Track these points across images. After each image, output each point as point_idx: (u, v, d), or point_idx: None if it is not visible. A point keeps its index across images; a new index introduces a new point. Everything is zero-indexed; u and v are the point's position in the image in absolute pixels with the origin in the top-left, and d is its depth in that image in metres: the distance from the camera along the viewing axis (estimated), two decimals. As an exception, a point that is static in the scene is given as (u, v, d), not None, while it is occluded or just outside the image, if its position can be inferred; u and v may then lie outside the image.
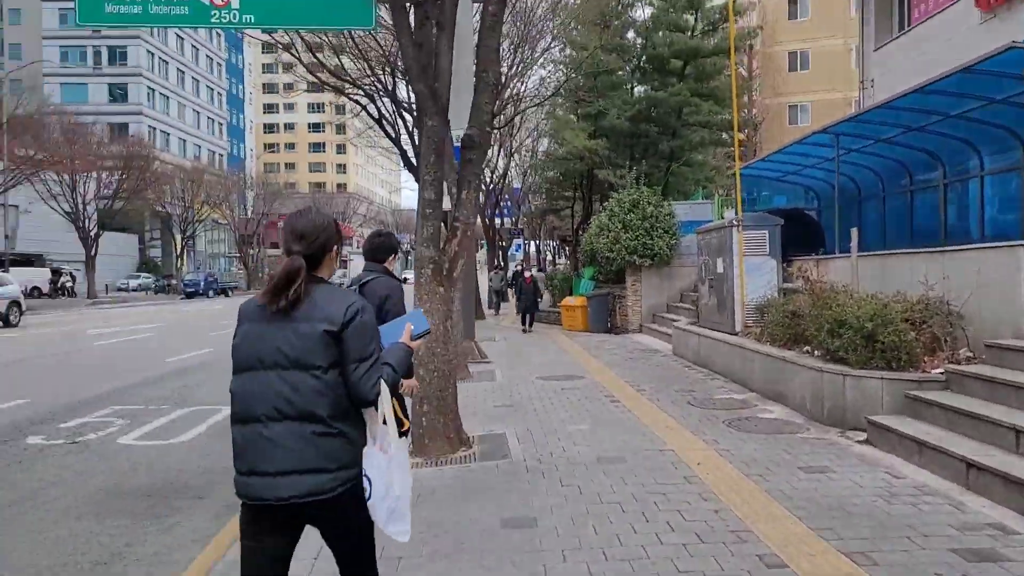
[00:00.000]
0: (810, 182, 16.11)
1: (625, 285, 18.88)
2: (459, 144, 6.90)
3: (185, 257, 63.61)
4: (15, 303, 24.72)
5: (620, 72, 25.89)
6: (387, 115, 19.57)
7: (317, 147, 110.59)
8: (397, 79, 17.76)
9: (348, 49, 18.22)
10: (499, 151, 31.93)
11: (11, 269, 38.94)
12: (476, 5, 9.60)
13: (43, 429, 8.49)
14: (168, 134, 73.00)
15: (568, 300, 20.76)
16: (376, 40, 17.27)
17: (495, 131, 22.98)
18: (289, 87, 58.65)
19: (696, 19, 24.88)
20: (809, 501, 5.07)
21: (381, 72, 17.84)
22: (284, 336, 2.55)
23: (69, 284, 46.90)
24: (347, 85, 18.81)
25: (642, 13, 26.25)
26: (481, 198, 31.85)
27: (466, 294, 13.15)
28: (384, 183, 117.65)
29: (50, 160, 41.30)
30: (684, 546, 4.36)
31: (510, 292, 29.55)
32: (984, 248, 7.67)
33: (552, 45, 21.88)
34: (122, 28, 60.08)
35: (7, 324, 23.96)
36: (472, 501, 5.31)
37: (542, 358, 13.71)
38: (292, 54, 18.84)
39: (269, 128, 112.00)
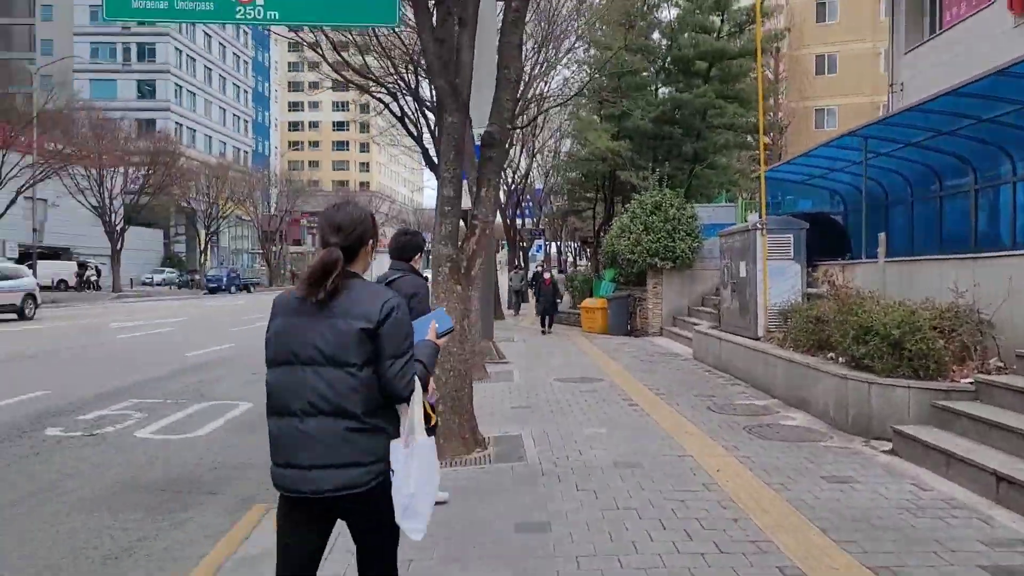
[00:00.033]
0: (836, 186, 15.87)
1: (646, 287, 18.72)
2: (480, 142, 6.83)
3: (209, 253, 64.18)
4: (30, 296, 24.31)
5: (644, 73, 25.69)
6: (409, 113, 19.56)
7: (341, 145, 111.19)
8: (420, 77, 17.73)
9: (372, 47, 18.23)
10: (521, 151, 31.85)
11: (39, 262, 39.49)
12: (499, 4, 9.54)
13: (62, 421, 8.52)
14: (194, 130, 73.73)
15: (588, 302, 20.64)
16: (400, 38, 17.25)
17: (517, 130, 22.92)
18: (314, 85, 59.09)
19: (722, 20, 24.61)
20: (832, 512, 4.93)
21: (404, 70, 17.82)
22: (319, 332, 2.56)
23: (93, 278, 47.40)
24: (371, 83, 18.83)
25: (667, 14, 26.06)
26: (503, 198, 31.84)
27: (485, 294, 13.08)
28: (407, 182, 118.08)
29: (78, 155, 41.83)
30: (702, 555, 4.25)
31: (530, 292, 29.46)
32: (1017, 255, 7.47)
33: (576, 45, 21.77)
34: (148, 23, 60.77)
35: (22, 317, 23.64)
36: (486, 504, 5.23)
37: (560, 359, 13.61)
38: (317, 52, 18.89)
39: (294, 126, 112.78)
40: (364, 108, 30.24)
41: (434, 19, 6.33)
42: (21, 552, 4.75)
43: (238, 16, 9.70)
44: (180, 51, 71.94)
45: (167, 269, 61.45)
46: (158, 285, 56.63)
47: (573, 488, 5.54)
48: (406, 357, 2.61)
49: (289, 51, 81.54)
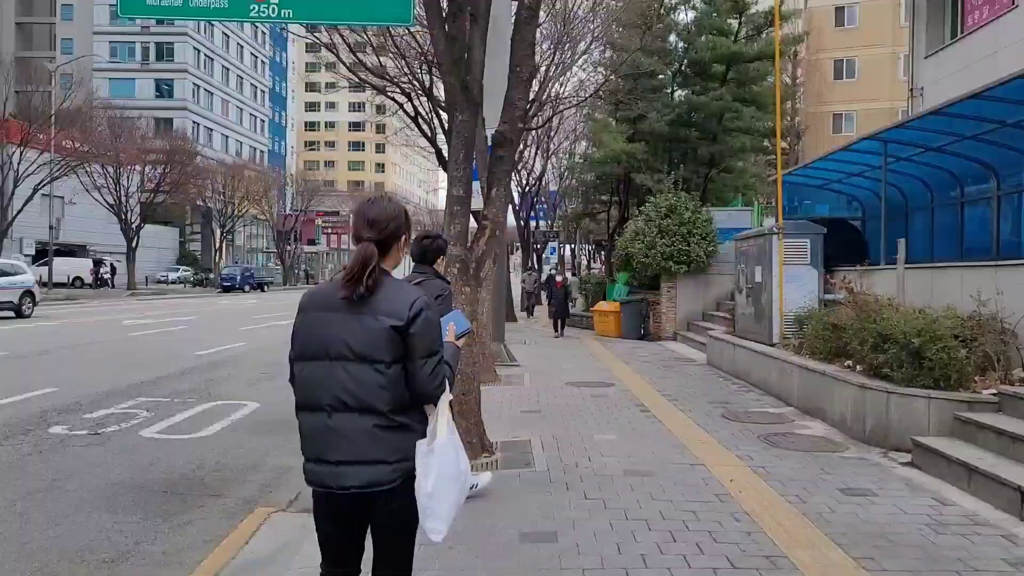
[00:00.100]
0: (854, 191, 15.63)
1: (660, 291, 18.54)
2: (491, 141, 6.71)
3: (224, 251, 64.45)
4: (28, 293, 23.45)
5: (661, 76, 25.49)
6: (423, 114, 19.48)
7: (357, 146, 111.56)
8: (435, 77, 17.64)
9: (387, 48, 18.16)
10: (536, 153, 31.71)
11: (55, 259, 39.76)
12: (513, 3, 9.42)
13: (67, 419, 8.46)
14: (211, 130, 74.15)
15: (601, 305, 20.47)
16: (415, 38, 17.17)
17: (532, 131, 22.77)
18: (331, 86, 59.14)
19: (740, 24, 24.39)
20: (849, 527, 4.76)
21: (419, 70, 17.74)
22: (350, 328, 2.57)
23: (107, 275, 47.61)
24: (386, 84, 18.76)
25: (685, 16, 25.85)
26: (516, 199, 31.71)
27: (496, 296, 12.95)
28: (421, 183, 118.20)
29: (95, 153, 42.09)
30: (714, 571, 4.09)
31: (543, 295, 29.33)
32: (1042, 263, 7.26)
33: (592, 47, 21.59)
34: (161, 21, 61.20)
35: (19, 315, 22.79)
36: (491, 512, 5.09)
37: (572, 363, 13.46)
38: (332, 52, 18.82)
39: (310, 126, 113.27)
40: (380, 109, 30.21)
41: (445, 16, 6.21)
42: (17, 554, 4.66)
43: (252, 14, 9.62)
44: (198, 51, 72.36)
45: (182, 267, 61.75)
46: (173, 283, 56.88)
47: (582, 496, 5.40)
48: (438, 356, 2.63)
49: (306, 52, 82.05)
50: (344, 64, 19.13)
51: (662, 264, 17.76)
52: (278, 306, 32.66)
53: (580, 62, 22.33)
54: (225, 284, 51.20)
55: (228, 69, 78.65)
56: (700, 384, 11.02)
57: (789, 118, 41.09)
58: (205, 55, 73.68)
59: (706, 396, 9.85)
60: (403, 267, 3.12)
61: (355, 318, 2.57)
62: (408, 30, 16.09)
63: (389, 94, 19.99)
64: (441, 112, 18.48)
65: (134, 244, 46.71)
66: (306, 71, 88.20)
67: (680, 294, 18.22)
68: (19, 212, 37.79)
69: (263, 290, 54.72)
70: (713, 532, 4.66)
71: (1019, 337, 7.03)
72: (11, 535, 4.97)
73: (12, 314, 22.73)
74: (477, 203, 8.34)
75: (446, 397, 2.66)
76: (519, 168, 30.05)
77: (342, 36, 17.90)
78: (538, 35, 20.07)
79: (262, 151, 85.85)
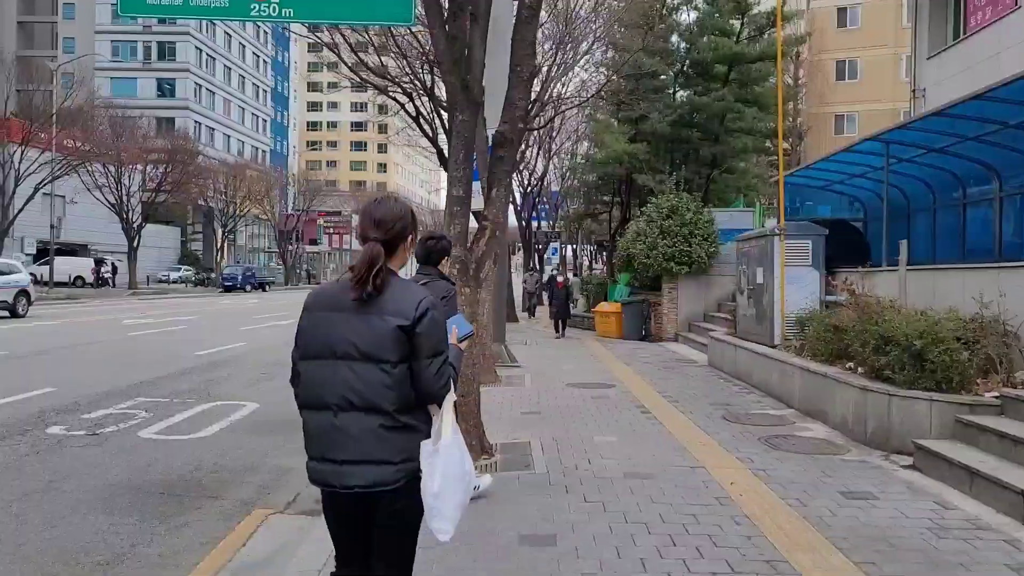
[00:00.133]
0: (856, 192, 15.60)
1: (661, 292, 18.49)
2: (491, 141, 6.67)
3: (226, 251, 64.43)
4: (23, 292, 23.16)
5: (663, 76, 25.46)
6: (425, 114, 19.46)
7: (359, 146, 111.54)
8: (436, 77, 17.62)
9: (389, 48, 18.14)
10: (538, 153, 31.68)
11: (56, 258, 39.76)
12: (514, 2, 9.38)
13: (65, 419, 8.43)
14: (213, 129, 74.14)
15: (602, 306, 20.42)
16: (417, 38, 17.15)
17: (533, 131, 22.73)
18: (333, 86, 59.23)
19: (742, 24, 24.34)
20: (851, 531, 4.72)
21: (420, 70, 17.72)
22: (356, 328, 2.58)
23: (108, 274, 47.59)
24: (388, 84, 18.74)
25: (687, 17, 25.80)
26: (519, 200, 31.69)
27: (497, 296, 12.92)
28: (424, 183, 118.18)
29: (97, 152, 42.09)
30: (713, 575, 4.06)
31: (545, 295, 29.29)
32: (1045, 265, 7.22)
33: (594, 47, 21.57)
34: (164, 20, 61.20)
35: (14, 315, 22.47)
36: (490, 514, 5.05)
37: (573, 364, 13.42)
38: (333, 51, 18.80)
39: (312, 125, 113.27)
40: (382, 109, 30.21)
41: (446, 15, 6.18)
42: (12, 556, 4.63)
43: (252, 13, 9.59)
44: (200, 50, 72.36)
45: (184, 267, 61.74)
46: (174, 283, 56.86)
47: (581, 499, 5.36)
48: (443, 357, 2.63)
49: (308, 51, 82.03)
50: (345, 64, 19.11)
51: (663, 265, 17.72)
52: (279, 306, 32.63)
53: (582, 62, 22.33)
54: (226, 284, 51.17)
55: (230, 68, 78.65)
56: (701, 385, 10.98)
57: (791, 119, 41.02)
58: (207, 54, 73.68)
59: (707, 398, 9.81)
60: (408, 268, 3.11)
61: (362, 318, 2.57)
62: (409, 30, 16.07)
63: (391, 94, 19.98)
64: (442, 112, 18.45)
65: (135, 244, 46.70)
66: (308, 71, 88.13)
67: (681, 295, 18.17)
68: (20, 211, 37.79)
69: (264, 290, 54.69)
70: (713, 536, 4.62)
71: (1022, 339, 6.99)
72: (7, 537, 4.94)
73: (7, 314, 22.56)
74: (478, 203, 8.31)
75: (451, 397, 2.66)
76: (521, 168, 30.03)
77: (343, 36, 17.89)
78: (540, 35, 20.07)
79: (264, 151, 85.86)
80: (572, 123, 31.77)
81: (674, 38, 25.68)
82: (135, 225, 46.73)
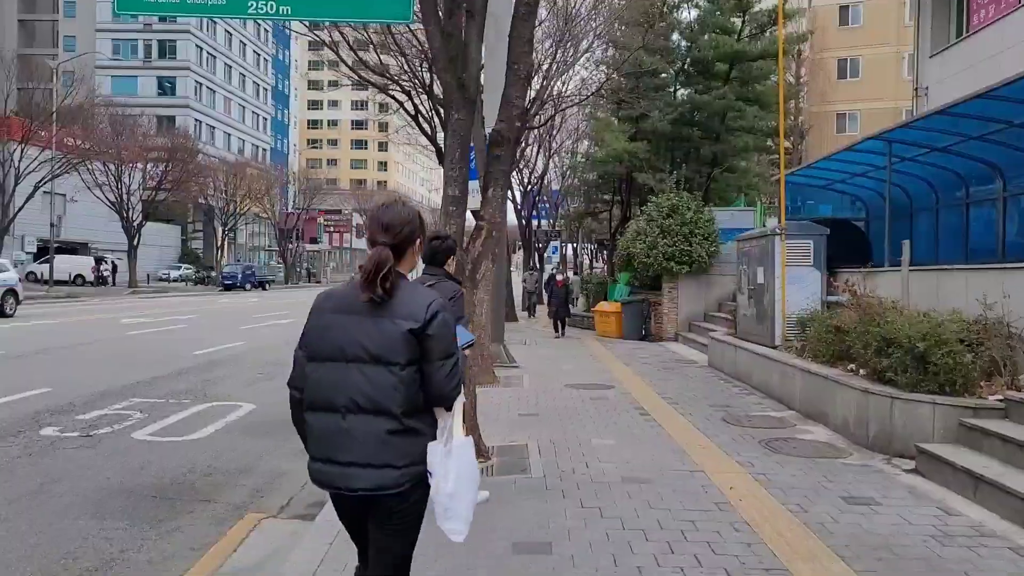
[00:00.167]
0: (858, 191, 15.50)
1: (661, 292, 18.40)
2: (488, 140, 6.58)
3: (226, 249, 64.35)
4: (11, 292, 22.64)
5: (663, 74, 25.34)
6: (424, 112, 19.37)
7: (359, 144, 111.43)
8: (435, 75, 17.54)
9: (388, 46, 18.06)
10: (538, 151, 31.58)
11: (56, 257, 39.70)
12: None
13: (59, 420, 8.35)
14: (213, 127, 74.04)
15: (602, 305, 20.33)
16: (416, 36, 17.06)
17: (534, 129, 22.64)
18: (333, 84, 59.06)
19: (743, 22, 24.22)
20: (852, 538, 4.63)
21: (419, 68, 17.64)
22: (366, 331, 2.60)
23: (107, 273, 47.51)
24: (387, 82, 18.67)
25: (687, 15, 25.69)
26: (519, 198, 31.60)
27: (496, 296, 12.82)
28: (424, 181, 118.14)
29: (97, 150, 42.01)
30: (712, 584, 3.98)
31: (545, 295, 29.21)
32: (1050, 266, 7.12)
33: (594, 45, 21.47)
34: (163, 18, 61.08)
35: (2, 314, 21.98)
36: (484, 520, 4.93)
37: (573, 365, 13.33)
38: (331, 49, 18.72)
39: (313, 124, 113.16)
40: (383, 107, 30.11)
41: (441, 12, 6.08)
42: (1, 560, 4.55)
43: (250, 11, 9.51)
44: (201, 48, 72.26)
45: (184, 265, 61.67)
46: (174, 281, 56.80)
47: (578, 505, 5.27)
48: (454, 358, 2.65)
49: (309, 50, 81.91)
50: (344, 63, 19.03)
51: (664, 264, 17.63)
52: (279, 305, 32.57)
53: (582, 60, 22.23)
54: (226, 282, 51.10)
55: (231, 67, 78.54)
56: (701, 387, 10.89)
57: (792, 117, 40.91)
58: (208, 53, 73.57)
59: (707, 399, 9.72)
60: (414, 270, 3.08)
61: (372, 321, 2.60)
62: (408, 28, 15.99)
63: (390, 92, 19.89)
64: (441, 110, 18.38)
65: (136, 242, 46.61)
66: (309, 69, 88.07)
67: (682, 295, 18.08)
68: (20, 209, 37.72)
69: (264, 289, 54.62)
70: (712, 543, 4.53)
71: (1026, 341, 6.89)
72: (-7, 542, 4.86)
73: None
74: (476, 203, 8.23)
75: (461, 399, 2.70)
76: (521, 167, 29.94)
77: (342, 34, 17.81)
78: (540, 33, 19.99)
79: (264, 149, 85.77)
80: (572, 121, 31.69)
81: (675, 36, 25.57)
82: (135, 223, 46.65)
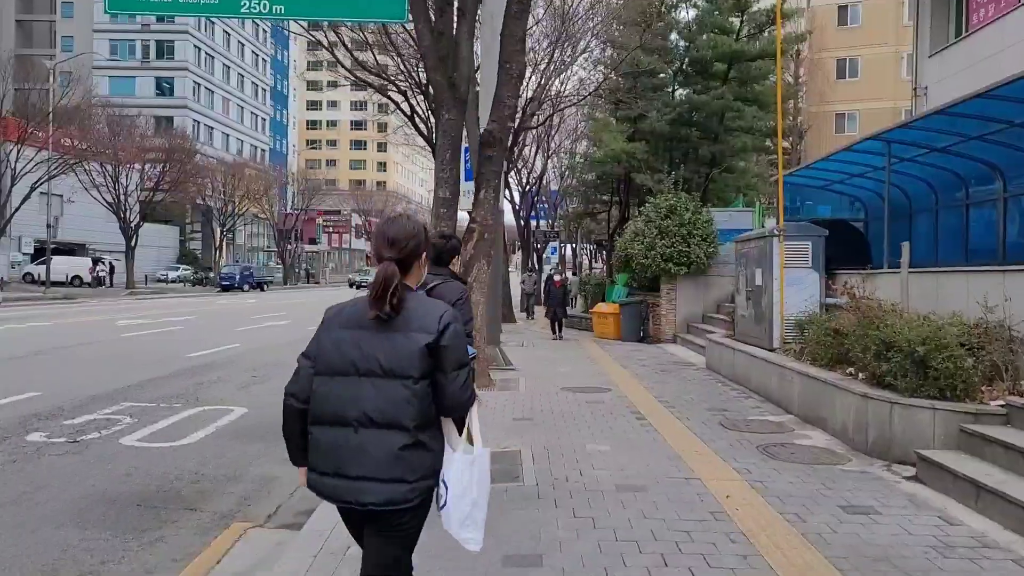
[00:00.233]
0: (856, 192, 15.38)
1: (659, 293, 18.28)
2: (479, 140, 6.46)
3: (224, 250, 64.21)
4: None
5: (661, 74, 25.25)
6: (420, 112, 19.27)
7: (358, 144, 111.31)
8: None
9: (385, 45, 17.96)
10: (537, 152, 31.47)
11: (54, 258, 39.58)
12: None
13: (47, 425, 8.23)
14: (212, 128, 73.91)
15: (600, 307, 20.20)
16: (411, 35, 16.96)
17: (532, 129, 22.53)
18: (332, 84, 58.99)
19: (741, 22, 24.13)
20: (851, 549, 4.51)
21: (415, 68, 17.54)
22: (380, 346, 2.61)
23: (103, 274, 47.36)
24: (383, 82, 18.56)
25: (686, 14, 25.60)
26: (517, 199, 31.48)
27: (492, 298, 12.71)
28: (423, 182, 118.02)
29: (94, 150, 41.88)
30: (706, 599, 3.86)
31: (543, 296, 29.09)
32: (1052, 269, 7.01)
33: (592, 45, 21.37)
34: (161, 18, 60.91)
35: None
36: (475, 530, 4.84)
37: (569, 367, 13.21)
38: (326, 48, 18.62)
39: (312, 124, 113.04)
40: (382, 108, 30.04)
41: (432, 10, 5.96)
42: (-26, 574, 4.43)
43: (243, 10, 9.39)
44: (199, 49, 72.13)
45: (182, 266, 61.52)
46: (173, 282, 56.66)
47: (570, 514, 5.15)
48: (467, 368, 2.67)
49: (307, 50, 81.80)
50: (339, 62, 18.92)
51: (662, 265, 17.51)
52: (277, 306, 32.47)
53: (580, 60, 22.13)
54: (224, 283, 50.97)
55: (229, 67, 78.40)
56: (698, 390, 10.77)
57: (791, 118, 40.81)
58: (206, 53, 73.43)
59: (704, 403, 9.60)
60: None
61: (385, 335, 2.61)
62: (404, 27, 15.87)
63: (386, 92, 19.78)
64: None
65: (133, 243, 46.48)
66: (307, 69, 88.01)
67: (680, 296, 17.97)
68: (16, 210, 37.60)
69: (263, 289, 54.49)
70: (707, 555, 4.41)
71: (1028, 345, 6.77)
72: (-30, 554, 4.74)
73: None
74: (470, 204, 8.12)
75: (475, 408, 2.73)
76: (520, 167, 29.84)
77: (337, 34, 17.70)
78: (538, 33, 19.88)
79: (263, 150, 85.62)
80: (571, 121, 31.60)
81: (673, 36, 25.49)
82: (133, 224, 46.51)
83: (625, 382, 11.44)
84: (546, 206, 39.24)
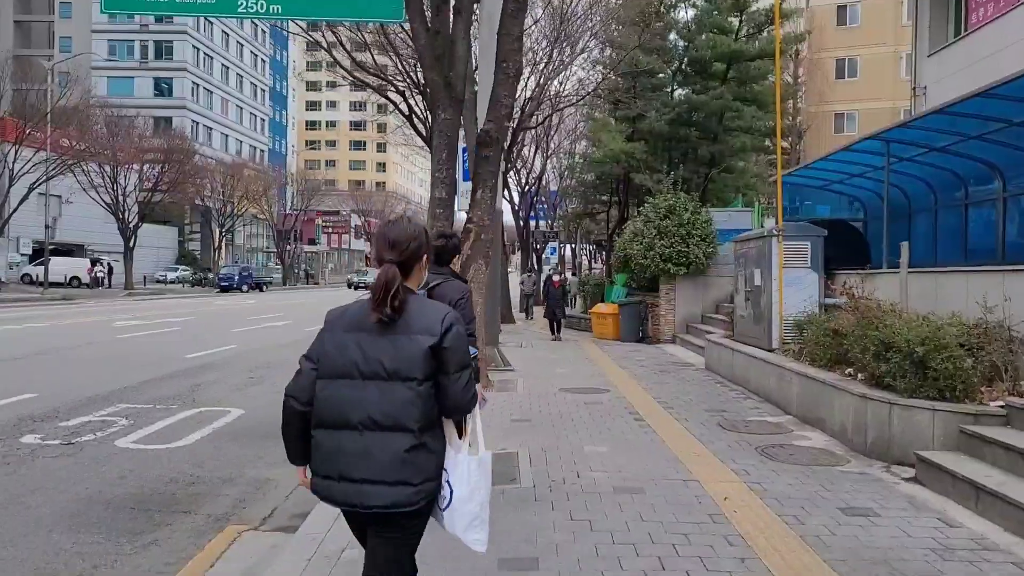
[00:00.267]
0: (856, 192, 15.35)
1: (658, 293, 18.24)
2: (476, 140, 6.41)
3: (224, 251, 64.14)
4: None
5: (660, 74, 25.22)
6: (419, 112, 19.23)
7: (358, 145, 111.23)
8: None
9: (383, 45, 17.92)
10: (536, 152, 31.44)
11: (52, 258, 39.52)
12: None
13: (42, 427, 8.18)
14: (211, 129, 73.83)
15: (599, 307, 20.17)
16: (410, 35, 16.94)
17: (531, 129, 22.50)
18: (331, 85, 58.93)
19: (740, 22, 24.11)
20: (850, 552, 4.46)
21: (413, 68, 17.50)
22: (383, 348, 2.62)
23: (102, 274, 47.30)
24: (381, 82, 18.53)
25: (685, 14, 25.57)
26: (516, 199, 31.44)
27: (490, 299, 12.66)
28: (423, 182, 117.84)
29: (92, 151, 41.83)
30: (704, 603, 3.82)
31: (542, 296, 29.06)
32: (1051, 268, 6.97)
33: (591, 44, 21.34)
34: (160, 19, 60.83)
35: None
36: (471, 533, 4.79)
37: (568, 368, 13.17)
38: (324, 48, 18.58)
39: (311, 125, 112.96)
40: (381, 108, 29.99)
41: (428, 9, 5.92)
42: (-35, 579, 4.39)
43: (240, 10, 9.35)
44: (197, 49, 72.04)
45: (181, 267, 61.44)
46: (171, 283, 56.56)
47: (568, 517, 5.11)
48: (470, 370, 2.68)
49: (307, 50, 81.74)
50: (338, 63, 18.87)
51: (661, 266, 17.47)
52: (276, 306, 32.42)
53: (579, 60, 22.10)
54: (223, 284, 50.89)
55: (228, 67, 78.32)
56: (697, 390, 10.73)
57: (790, 117, 40.79)
58: (204, 53, 73.34)
59: (703, 404, 9.56)
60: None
61: (388, 338, 2.62)
62: (402, 27, 15.83)
63: (384, 92, 19.74)
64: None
65: (132, 244, 46.42)
66: (306, 70, 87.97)
67: (679, 296, 17.93)
68: (15, 211, 37.56)
69: (262, 290, 54.42)
70: (705, 559, 4.37)
71: (1027, 346, 6.73)
72: (-38, 558, 4.70)
73: None
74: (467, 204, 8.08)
75: (477, 411, 2.75)
76: (519, 167, 29.80)
77: (335, 34, 17.67)
78: (537, 33, 19.84)
79: (262, 150, 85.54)
80: (570, 121, 31.56)
81: (672, 36, 25.48)
82: (131, 225, 46.44)
83: (624, 383, 11.40)
84: (545, 206, 39.22)
